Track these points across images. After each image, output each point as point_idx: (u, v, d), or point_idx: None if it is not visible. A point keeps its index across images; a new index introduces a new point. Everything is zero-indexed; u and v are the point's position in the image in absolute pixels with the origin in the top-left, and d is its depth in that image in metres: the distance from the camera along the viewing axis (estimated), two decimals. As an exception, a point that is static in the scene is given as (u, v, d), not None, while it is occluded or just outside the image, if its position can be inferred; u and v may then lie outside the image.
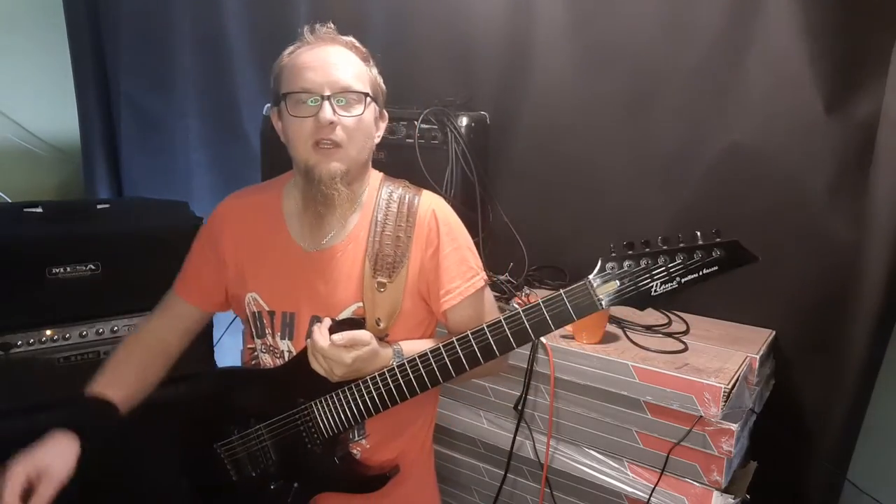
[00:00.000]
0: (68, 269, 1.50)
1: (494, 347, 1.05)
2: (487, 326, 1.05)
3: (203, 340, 1.69)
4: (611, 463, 1.46)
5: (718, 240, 0.96)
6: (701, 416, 1.31)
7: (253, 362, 1.29)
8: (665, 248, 0.97)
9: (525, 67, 1.87)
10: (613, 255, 0.98)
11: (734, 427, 1.29)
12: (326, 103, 1.10)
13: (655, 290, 0.97)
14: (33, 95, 2.71)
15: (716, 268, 0.95)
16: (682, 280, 0.96)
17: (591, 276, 0.99)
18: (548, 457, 1.52)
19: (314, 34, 1.17)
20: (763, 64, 1.54)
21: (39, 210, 1.62)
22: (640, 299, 0.98)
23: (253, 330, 1.26)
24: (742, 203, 1.62)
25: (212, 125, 2.58)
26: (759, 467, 1.52)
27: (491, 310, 1.25)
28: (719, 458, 1.32)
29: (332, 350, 1.07)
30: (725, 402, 1.27)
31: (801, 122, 1.51)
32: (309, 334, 1.11)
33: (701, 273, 0.96)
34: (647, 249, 0.97)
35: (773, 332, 1.60)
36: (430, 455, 1.37)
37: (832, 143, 1.49)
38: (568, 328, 1.51)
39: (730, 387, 1.28)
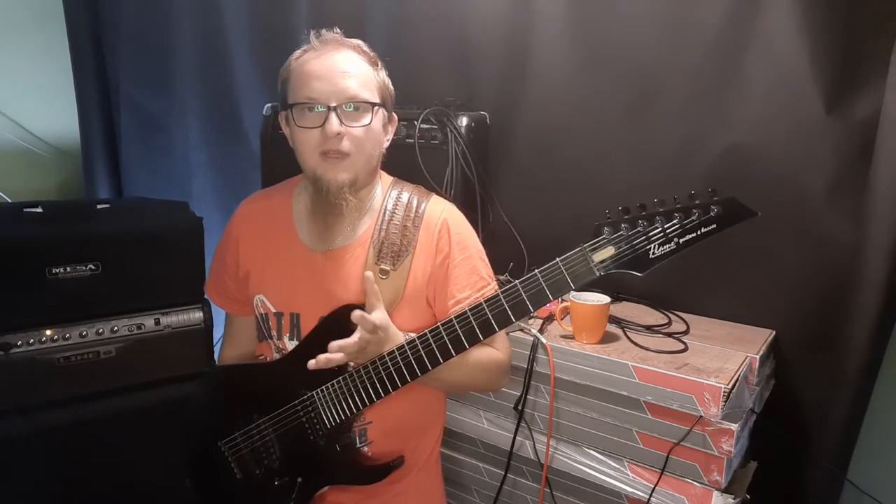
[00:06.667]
0: (68, 269, 1.50)
1: (493, 322, 1.03)
2: (486, 301, 1.03)
3: (203, 340, 1.69)
4: (611, 463, 1.46)
5: (716, 198, 0.93)
6: (701, 416, 1.30)
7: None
8: (661, 209, 0.94)
9: (525, 67, 1.87)
10: (609, 219, 0.96)
11: (734, 427, 1.29)
12: (333, 115, 1.08)
13: (653, 253, 0.94)
14: (33, 95, 2.71)
15: (714, 226, 0.93)
16: (681, 240, 0.94)
17: (586, 243, 0.97)
18: (548, 457, 1.51)
19: (320, 39, 1.14)
20: (763, 64, 1.54)
21: (39, 210, 1.62)
22: (639, 263, 0.95)
23: (258, 333, 1.27)
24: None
25: (212, 125, 2.58)
26: (759, 467, 1.52)
27: None
28: (719, 458, 1.31)
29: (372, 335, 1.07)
30: (725, 402, 1.27)
31: (801, 121, 1.51)
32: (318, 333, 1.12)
33: (699, 232, 0.93)
34: (644, 212, 0.94)
35: (773, 332, 1.60)
36: (436, 465, 1.36)
37: (832, 143, 1.49)
38: (568, 328, 1.52)
39: (730, 387, 1.28)
